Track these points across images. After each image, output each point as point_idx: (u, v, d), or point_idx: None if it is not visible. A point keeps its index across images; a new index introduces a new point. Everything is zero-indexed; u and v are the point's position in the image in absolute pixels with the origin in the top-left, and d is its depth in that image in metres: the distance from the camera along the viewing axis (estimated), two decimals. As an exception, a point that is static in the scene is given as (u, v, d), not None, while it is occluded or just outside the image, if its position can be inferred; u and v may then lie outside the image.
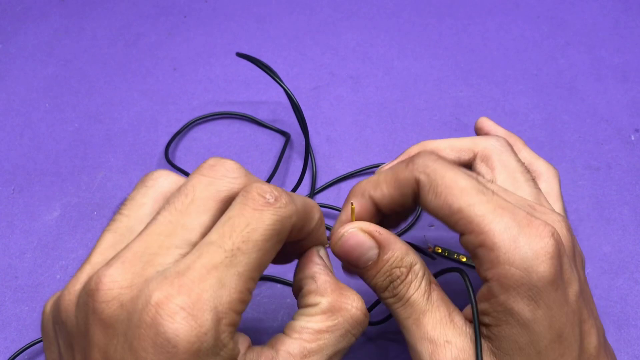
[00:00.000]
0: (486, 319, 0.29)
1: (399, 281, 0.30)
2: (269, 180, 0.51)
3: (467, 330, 0.29)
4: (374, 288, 0.31)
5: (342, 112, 0.56)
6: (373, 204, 0.33)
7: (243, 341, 0.26)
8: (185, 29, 0.65)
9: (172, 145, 0.55)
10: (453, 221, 0.29)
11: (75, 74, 0.61)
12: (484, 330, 0.29)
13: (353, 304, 0.28)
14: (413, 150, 0.36)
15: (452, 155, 0.36)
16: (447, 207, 0.29)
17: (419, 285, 0.30)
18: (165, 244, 0.25)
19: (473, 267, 0.41)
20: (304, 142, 0.53)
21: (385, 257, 0.30)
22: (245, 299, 0.24)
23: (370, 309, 0.41)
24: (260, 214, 0.25)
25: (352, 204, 0.33)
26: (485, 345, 0.29)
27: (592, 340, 0.29)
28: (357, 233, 0.31)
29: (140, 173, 0.53)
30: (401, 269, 0.30)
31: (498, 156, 0.35)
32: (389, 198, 0.32)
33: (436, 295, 0.31)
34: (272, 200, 0.26)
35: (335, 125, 0.55)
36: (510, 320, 0.28)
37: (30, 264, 0.48)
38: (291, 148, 0.54)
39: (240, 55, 0.50)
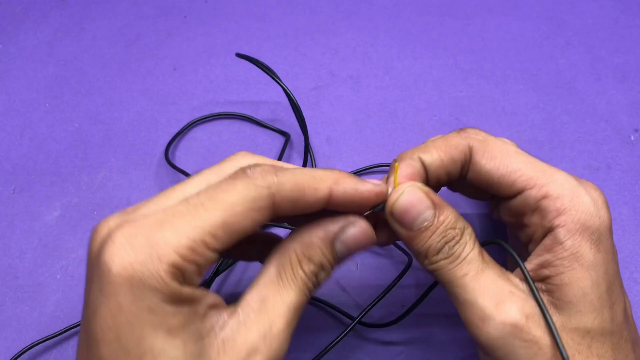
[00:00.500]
0: (547, 271, 0.30)
1: (454, 242, 0.30)
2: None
3: (524, 286, 0.30)
4: (425, 251, 0.31)
5: (342, 112, 0.56)
6: (423, 167, 0.33)
7: (209, 297, 0.27)
8: (185, 29, 0.65)
9: (172, 145, 0.55)
10: (511, 180, 0.31)
11: (76, 74, 0.61)
12: (542, 285, 0.30)
13: None
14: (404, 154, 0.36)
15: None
16: (503, 167, 0.31)
17: (473, 246, 0.31)
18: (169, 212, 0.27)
19: None
20: (303, 142, 0.53)
21: (442, 217, 0.31)
22: (197, 250, 0.25)
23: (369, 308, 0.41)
24: (234, 181, 0.27)
25: (395, 163, 0.33)
26: (543, 297, 0.30)
27: (627, 299, 0.31)
28: (416, 190, 0.31)
29: (140, 173, 0.53)
30: (456, 229, 0.31)
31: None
32: (438, 162, 0.33)
33: (487, 256, 0.31)
34: (248, 172, 0.27)
35: (335, 125, 0.55)
36: (575, 265, 0.29)
37: (30, 264, 0.48)
38: (291, 148, 0.54)
39: (240, 55, 0.50)
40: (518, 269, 0.31)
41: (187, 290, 0.25)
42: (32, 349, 0.43)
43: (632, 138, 0.54)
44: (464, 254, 0.30)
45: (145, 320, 0.24)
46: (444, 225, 0.31)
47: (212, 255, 0.26)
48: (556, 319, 0.29)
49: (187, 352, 0.25)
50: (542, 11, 0.65)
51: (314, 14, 0.66)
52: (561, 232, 0.29)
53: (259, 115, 0.56)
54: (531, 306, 0.29)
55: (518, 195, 0.31)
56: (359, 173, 0.51)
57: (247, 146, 0.54)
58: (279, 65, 0.61)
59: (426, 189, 0.32)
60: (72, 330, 0.44)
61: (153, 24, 0.66)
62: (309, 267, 0.29)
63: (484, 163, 0.32)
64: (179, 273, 0.25)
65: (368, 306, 0.41)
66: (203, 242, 0.25)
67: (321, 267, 0.29)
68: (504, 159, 0.32)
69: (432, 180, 0.34)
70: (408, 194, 0.31)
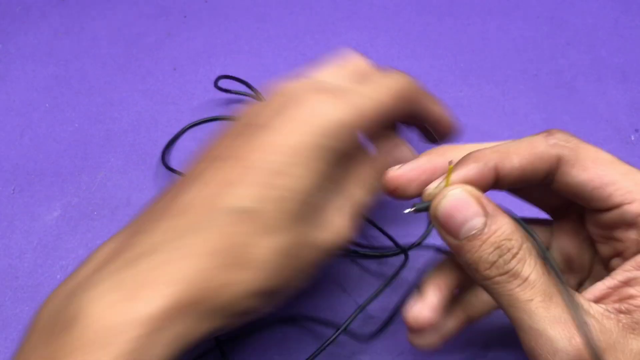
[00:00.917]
0: (632, 290, 0.27)
1: (510, 255, 0.27)
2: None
3: (596, 309, 0.27)
4: (475, 263, 0.27)
5: (342, 112, 0.56)
6: (495, 175, 0.29)
7: None
8: (185, 29, 0.65)
9: (171, 147, 0.55)
10: (607, 193, 0.28)
11: (75, 74, 0.61)
12: (622, 306, 0.27)
13: None
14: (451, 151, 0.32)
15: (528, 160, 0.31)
16: (598, 179, 0.28)
17: (535, 265, 0.27)
18: None
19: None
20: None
21: (494, 227, 0.27)
22: None
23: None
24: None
25: (450, 164, 0.29)
26: (620, 320, 0.26)
27: None
28: (463, 194, 0.28)
29: (140, 173, 0.53)
30: (512, 241, 0.27)
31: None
32: (519, 171, 0.29)
33: (551, 276, 0.28)
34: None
35: (335, 125, 0.55)
36: None
37: (30, 264, 0.48)
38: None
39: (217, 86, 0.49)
40: (590, 288, 0.29)
41: None
42: (32, 349, 0.43)
43: (633, 138, 0.54)
44: (524, 273, 0.27)
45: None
46: (497, 235, 0.27)
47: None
48: (635, 345, 0.26)
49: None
50: (543, 11, 0.65)
51: (314, 13, 0.66)
52: None
53: (259, 115, 0.56)
54: (607, 336, 0.26)
55: (613, 209, 0.29)
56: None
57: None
58: (279, 65, 0.61)
59: (478, 193, 0.28)
60: (72, 330, 0.44)
61: (153, 24, 0.66)
62: None
63: (575, 174, 0.29)
64: None
65: (348, 320, 0.41)
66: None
67: None
68: (598, 170, 0.28)
69: (504, 188, 0.31)
70: (453, 197, 0.28)
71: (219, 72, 0.60)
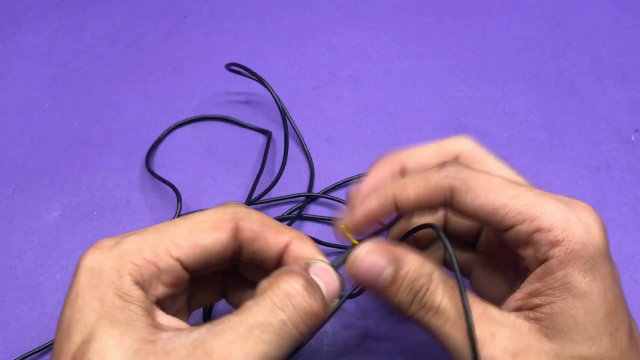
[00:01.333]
0: (537, 300, 0.29)
1: (422, 292, 0.30)
2: (274, 183, 0.51)
3: (510, 319, 0.29)
4: (398, 306, 0.31)
5: (342, 112, 0.56)
6: (394, 206, 0.33)
7: (167, 318, 0.29)
8: (185, 29, 0.65)
9: (156, 150, 0.55)
10: (499, 217, 0.30)
11: (75, 74, 0.61)
12: (532, 314, 0.29)
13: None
14: (384, 162, 0.36)
15: (435, 161, 0.35)
16: (490, 204, 0.30)
17: (445, 291, 0.30)
18: None
19: None
20: (302, 143, 0.53)
21: (403, 271, 0.30)
22: (159, 254, 0.29)
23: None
24: (207, 210, 0.32)
25: (341, 226, 0.33)
26: (533, 327, 0.29)
27: (632, 321, 0.31)
28: (371, 253, 0.31)
29: (140, 173, 0.53)
30: (421, 279, 0.30)
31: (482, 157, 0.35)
32: (414, 202, 0.32)
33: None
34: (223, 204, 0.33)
35: (335, 125, 0.55)
36: (566, 295, 0.28)
37: (30, 264, 0.48)
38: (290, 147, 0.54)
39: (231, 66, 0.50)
40: (509, 300, 0.31)
41: (137, 291, 0.28)
42: (34, 354, 0.43)
43: (633, 138, 0.54)
44: (436, 302, 0.30)
45: (93, 307, 0.27)
46: (407, 279, 0.30)
47: (173, 263, 0.29)
48: (548, 347, 0.28)
49: (125, 346, 0.25)
50: (543, 11, 0.65)
51: (314, 14, 0.66)
52: (553, 263, 0.29)
53: (259, 115, 0.56)
54: (519, 341, 0.28)
55: (509, 229, 0.30)
56: (360, 178, 0.51)
57: (229, 147, 0.54)
58: (279, 65, 0.61)
59: (382, 245, 0.31)
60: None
61: (153, 24, 0.66)
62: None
63: (469, 201, 0.31)
64: (138, 272, 0.28)
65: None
66: (166, 249, 0.29)
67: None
68: (489, 196, 0.30)
69: (404, 214, 0.34)
70: (363, 258, 0.31)
71: (218, 72, 0.60)
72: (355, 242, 0.33)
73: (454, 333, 0.29)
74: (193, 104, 0.58)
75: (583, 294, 0.28)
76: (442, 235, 0.31)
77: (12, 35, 0.66)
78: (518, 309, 0.30)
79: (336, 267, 0.32)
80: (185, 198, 0.50)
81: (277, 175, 0.50)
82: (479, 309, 0.29)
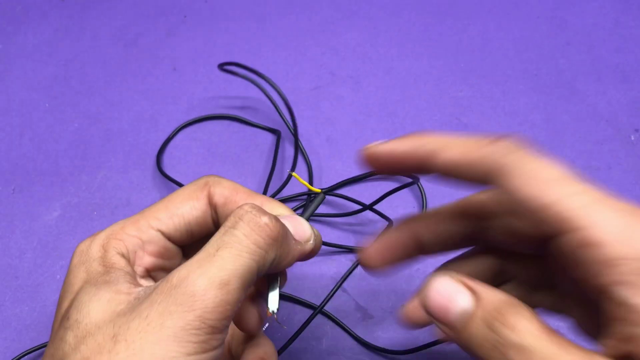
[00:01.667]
0: (632, 346, 0.21)
1: (502, 328, 0.23)
2: (268, 183, 0.51)
3: None
4: (476, 348, 0.24)
5: (342, 112, 0.56)
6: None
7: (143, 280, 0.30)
8: (185, 29, 0.65)
9: (165, 149, 0.55)
10: (542, 218, 0.24)
11: (75, 74, 0.61)
12: None
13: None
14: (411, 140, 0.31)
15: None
16: (537, 199, 0.24)
17: (532, 327, 0.23)
18: None
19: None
20: (302, 143, 0.53)
21: (482, 302, 0.24)
22: (141, 228, 0.30)
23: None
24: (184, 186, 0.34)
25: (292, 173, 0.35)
26: None
27: None
28: (445, 280, 0.26)
29: (140, 173, 0.53)
30: (501, 311, 0.23)
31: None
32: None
33: (557, 336, 0.22)
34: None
35: (335, 125, 0.55)
36: None
37: (30, 264, 0.48)
38: (283, 148, 0.54)
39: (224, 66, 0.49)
40: (604, 342, 0.23)
41: (120, 260, 0.29)
42: (34, 353, 0.43)
43: (633, 138, 0.54)
44: (523, 341, 0.22)
45: (80, 278, 0.29)
46: (486, 310, 0.24)
47: (154, 233, 0.31)
48: None
49: (100, 297, 0.27)
50: (543, 11, 0.65)
51: (314, 13, 0.66)
52: (623, 293, 0.21)
53: (258, 115, 0.56)
54: None
55: (551, 239, 0.24)
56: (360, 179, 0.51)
57: (236, 146, 0.54)
58: (279, 65, 0.61)
59: (458, 276, 0.26)
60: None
61: (153, 24, 0.66)
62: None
63: (513, 188, 0.25)
64: (122, 246, 0.30)
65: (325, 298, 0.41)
66: (147, 223, 0.31)
67: None
68: (538, 187, 0.24)
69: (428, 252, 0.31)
70: (434, 286, 0.26)
71: (218, 72, 0.60)
72: (314, 189, 0.33)
73: None
74: (193, 103, 0.58)
75: None
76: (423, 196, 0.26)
77: (12, 35, 0.66)
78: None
79: (306, 218, 0.32)
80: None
81: (287, 177, 0.51)
82: (583, 354, 0.22)
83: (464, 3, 0.66)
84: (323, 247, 0.46)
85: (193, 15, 0.66)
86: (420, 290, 0.27)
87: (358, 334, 0.43)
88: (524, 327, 0.23)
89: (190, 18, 0.66)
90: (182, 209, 0.31)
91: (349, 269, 0.46)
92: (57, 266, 0.48)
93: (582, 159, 0.52)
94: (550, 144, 0.53)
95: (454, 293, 0.25)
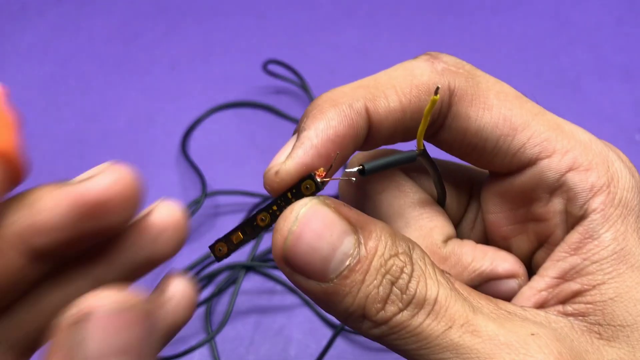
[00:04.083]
0: (576, 285, 0.19)
1: (406, 277, 0.18)
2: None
3: (540, 316, 0.19)
4: (361, 309, 0.18)
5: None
6: (367, 122, 0.21)
7: None
8: (183, 27, 0.64)
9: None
10: (519, 142, 0.20)
11: (73, 72, 0.61)
12: (568, 308, 0.19)
13: None
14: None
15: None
16: (505, 122, 0.20)
17: (436, 275, 0.18)
18: None
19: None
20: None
21: (371, 243, 0.18)
22: None
23: None
24: None
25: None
26: (577, 326, 0.19)
27: None
28: (319, 212, 0.18)
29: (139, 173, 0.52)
30: (400, 255, 0.18)
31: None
32: (399, 114, 0.21)
33: (459, 284, 0.19)
34: None
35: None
36: (622, 269, 0.19)
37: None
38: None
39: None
40: (526, 290, 0.21)
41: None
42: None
43: (637, 137, 0.53)
44: (430, 294, 0.18)
45: None
46: (380, 253, 0.18)
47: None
48: (610, 354, 0.18)
49: None
50: (546, 10, 0.64)
51: (315, 11, 0.65)
52: (597, 221, 0.19)
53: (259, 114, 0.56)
54: (568, 346, 0.18)
55: (527, 168, 0.20)
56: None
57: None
58: (279, 64, 0.60)
59: (332, 203, 0.19)
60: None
61: (151, 22, 0.65)
62: None
63: (474, 115, 0.20)
64: None
65: None
66: None
67: None
68: (503, 109, 0.20)
69: (379, 141, 0.22)
70: (303, 224, 0.18)
71: (218, 71, 0.60)
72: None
73: (470, 339, 0.17)
74: (192, 103, 0.57)
75: None
76: (429, 164, 0.20)
77: (9, 34, 0.65)
78: (543, 304, 0.20)
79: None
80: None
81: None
82: (491, 302, 0.19)
83: (465, 1, 0.65)
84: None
85: (192, 13, 0.66)
86: (278, 227, 0.18)
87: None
88: (429, 270, 0.18)
89: (188, 16, 0.66)
90: None
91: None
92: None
93: (586, 158, 0.52)
94: (554, 144, 0.53)
95: (329, 232, 0.18)
